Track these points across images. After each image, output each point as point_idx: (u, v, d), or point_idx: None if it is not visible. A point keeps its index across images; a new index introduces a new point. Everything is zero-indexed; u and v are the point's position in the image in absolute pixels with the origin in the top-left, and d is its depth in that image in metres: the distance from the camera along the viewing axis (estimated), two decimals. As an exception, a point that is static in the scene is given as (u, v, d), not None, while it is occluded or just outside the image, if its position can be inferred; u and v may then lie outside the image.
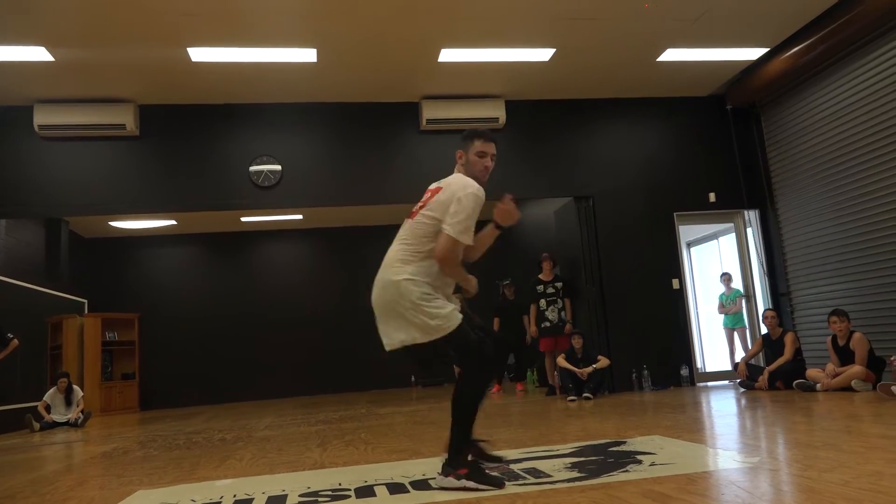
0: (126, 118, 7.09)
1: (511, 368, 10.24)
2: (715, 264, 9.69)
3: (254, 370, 12.50)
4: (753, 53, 7.35)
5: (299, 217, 12.37)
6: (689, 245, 9.90)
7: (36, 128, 6.97)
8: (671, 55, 7.17)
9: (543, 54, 6.91)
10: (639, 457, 3.14)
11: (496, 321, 9.48)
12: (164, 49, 6.22)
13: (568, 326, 8.00)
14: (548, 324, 8.14)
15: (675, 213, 8.15)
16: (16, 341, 7.50)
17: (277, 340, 12.65)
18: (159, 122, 7.38)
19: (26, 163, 7.13)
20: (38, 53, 6.06)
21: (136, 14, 5.61)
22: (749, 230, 8.33)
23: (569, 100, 8.15)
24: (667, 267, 8.00)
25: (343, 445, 4.55)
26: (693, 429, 4.17)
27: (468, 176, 3.01)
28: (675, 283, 7.97)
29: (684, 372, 7.72)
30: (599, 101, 8.22)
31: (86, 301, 12.35)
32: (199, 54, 6.33)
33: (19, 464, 5.24)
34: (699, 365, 8.28)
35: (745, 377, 6.81)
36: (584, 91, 8.02)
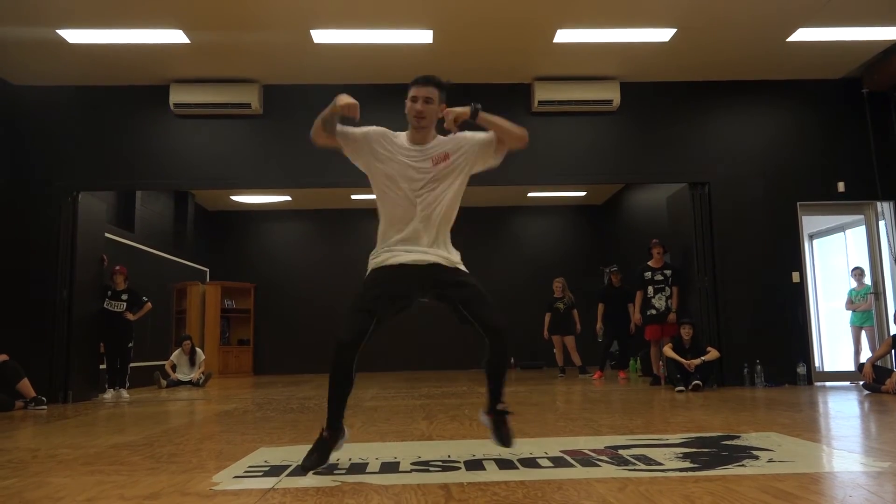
0: (251, 97, 7.46)
1: (614, 356, 10.08)
2: (840, 258, 9.12)
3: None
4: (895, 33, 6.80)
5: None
6: (811, 237, 9.36)
7: (171, 106, 7.46)
8: (803, 35, 6.74)
9: (663, 34, 6.69)
10: (755, 452, 3.04)
11: (601, 308, 9.36)
12: (288, 31, 6.48)
13: (671, 315, 7.77)
14: (654, 311, 7.94)
15: (797, 203, 7.71)
16: (149, 304, 8.13)
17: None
18: (281, 101, 7.71)
19: (161, 139, 7.66)
20: (176, 36, 6.47)
21: (264, -3, 5.89)
22: (881, 223, 7.76)
23: (687, 82, 7.85)
24: (786, 259, 7.60)
25: (448, 420, 4.66)
26: (812, 428, 3.98)
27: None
28: (795, 277, 7.56)
29: (801, 370, 7.33)
30: (719, 83, 7.87)
31: (207, 270, 13.20)
32: (320, 36, 6.56)
33: (152, 416, 5.71)
34: (818, 363, 7.86)
35: (871, 379, 6.39)
36: (703, 73, 7.70)
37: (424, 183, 2.85)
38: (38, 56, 6.84)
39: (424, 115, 2.83)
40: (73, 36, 6.41)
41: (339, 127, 2.92)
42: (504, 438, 2.88)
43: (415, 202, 2.82)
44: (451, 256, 2.89)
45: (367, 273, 2.90)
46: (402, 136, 2.94)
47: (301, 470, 2.75)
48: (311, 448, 2.80)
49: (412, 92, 2.90)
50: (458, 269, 2.88)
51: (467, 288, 2.83)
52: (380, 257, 2.86)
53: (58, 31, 6.30)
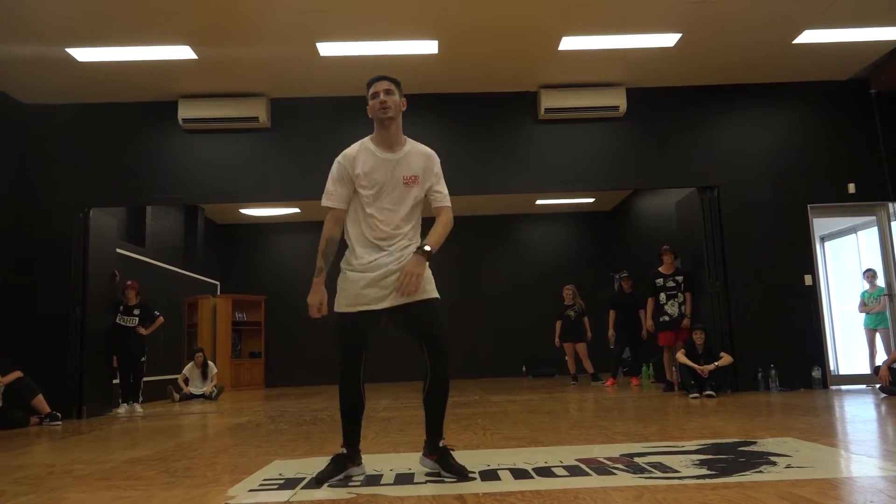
0: (259, 111, 7.50)
1: (626, 363, 10.03)
2: (853, 260, 9.05)
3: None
4: (903, 32, 6.77)
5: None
6: (822, 239, 9.30)
7: (180, 121, 7.51)
8: (809, 37, 6.73)
9: (668, 39, 6.69)
10: (773, 458, 3.01)
11: (612, 314, 9.33)
12: (295, 45, 6.52)
13: (685, 321, 7.73)
14: (667, 318, 7.89)
15: (808, 205, 7.67)
16: (161, 318, 8.16)
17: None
18: (289, 114, 7.75)
19: (170, 154, 7.71)
20: (183, 52, 6.53)
21: (270, 12, 5.93)
22: (894, 224, 7.71)
23: (693, 86, 7.84)
24: (798, 262, 7.55)
25: (461, 430, 4.64)
26: (829, 433, 3.94)
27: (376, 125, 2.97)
28: (808, 280, 7.52)
29: (816, 374, 7.27)
30: (726, 87, 7.85)
31: (218, 283, 13.24)
32: (326, 49, 6.59)
33: (165, 430, 5.72)
34: (832, 367, 7.78)
35: (888, 382, 6.33)
36: (709, 77, 7.69)
37: (394, 192, 2.94)
38: (48, 74, 6.91)
39: (389, 106, 2.90)
40: (82, 54, 6.48)
41: (339, 196, 2.97)
42: (461, 471, 2.81)
43: (390, 208, 2.92)
44: (421, 279, 2.90)
45: (337, 299, 3.03)
46: (367, 147, 2.96)
47: (315, 482, 2.76)
48: (328, 462, 2.87)
49: (372, 89, 2.98)
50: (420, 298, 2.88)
51: (426, 313, 2.93)
52: (348, 286, 2.97)
53: (66, 49, 6.37)
